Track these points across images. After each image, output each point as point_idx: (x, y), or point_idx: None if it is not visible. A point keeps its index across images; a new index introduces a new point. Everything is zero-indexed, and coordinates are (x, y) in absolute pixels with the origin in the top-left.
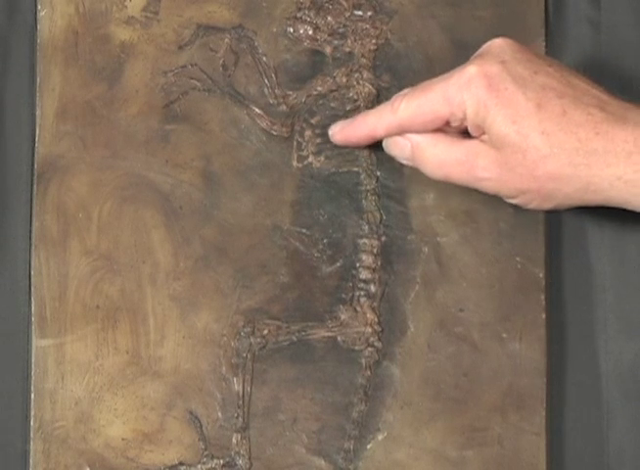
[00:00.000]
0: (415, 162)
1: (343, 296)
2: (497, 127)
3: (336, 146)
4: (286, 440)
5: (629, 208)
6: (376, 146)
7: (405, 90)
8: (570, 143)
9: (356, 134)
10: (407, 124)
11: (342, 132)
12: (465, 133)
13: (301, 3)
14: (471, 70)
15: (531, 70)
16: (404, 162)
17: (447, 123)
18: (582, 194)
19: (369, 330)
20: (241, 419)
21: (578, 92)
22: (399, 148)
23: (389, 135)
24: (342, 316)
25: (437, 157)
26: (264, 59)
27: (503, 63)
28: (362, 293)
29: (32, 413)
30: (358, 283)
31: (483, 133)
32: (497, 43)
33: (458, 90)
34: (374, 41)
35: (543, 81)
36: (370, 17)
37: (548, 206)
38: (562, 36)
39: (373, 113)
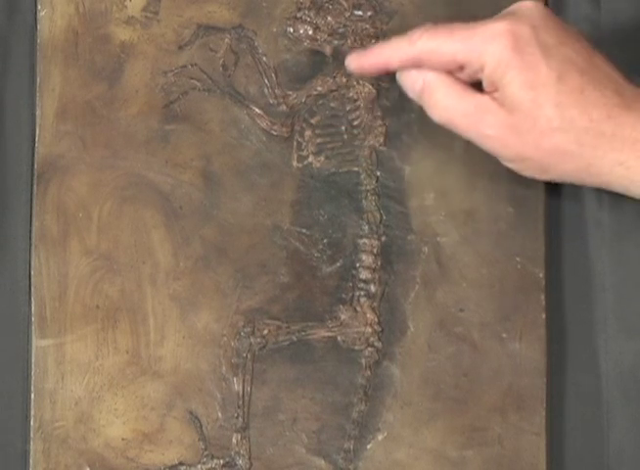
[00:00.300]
0: (422, 98)
1: (343, 296)
2: (513, 90)
3: (336, 146)
4: (286, 440)
5: (627, 194)
6: (376, 146)
7: (427, 25)
8: (581, 121)
9: (371, 63)
10: (423, 59)
11: (357, 60)
12: (476, 85)
13: (301, 3)
14: (500, 26)
15: (559, 41)
16: (411, 95)
17: (461, 68)
18: (581, 173)
19: (369, 330)
20: (241, 419)
21: (600, 73)
22: (411, 81)
23: (403, 67)
24: (343, 316)
25: (446, 101)
26: (264, 59)
27: (534, 27)
28: (362, 293)
29: (32, 413)
30: (358, 283)
31: (496, 90)
32: (529, 5)
33: (483, 42)
34: (374, 41)
35: (568, 54)
36: (370, 17)
37: (543, 177)
38: None
39: (390, 43)
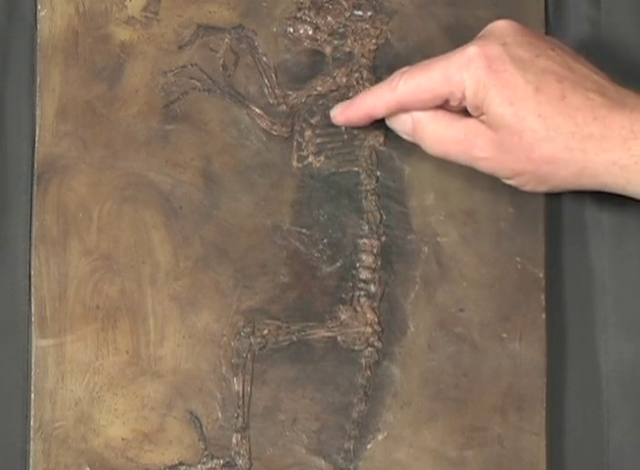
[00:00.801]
0: (415, 137)
1: (343, 296)
2: (495, 108)
3: (336, 146)
4: (286, 440)
5: (625, 194)
6: (376, 146)
7: (404, 68)
8: (566, 127)
9: (357, 114)
10: (406, 102)
11: (342, 114)
12: (465, 112)
13: (301, 3)
14: (471, 51)
15: (533, 53)
16: (405, 136)
17: (446, 102)
18: (578, 178)
19: (369, 330)
20: (241, 419)
21: (579, 76)
22: (401, 122)
23: (390, 113)
24: (343, 316)
25: (437, 133)
26: (264, 59)
27: (504, 45)
28: (362, 293)
29: (32, 413)
30: (358, 283)
31: (482, 114)
32: (500, 25)
33: (458, 70)
34: (374, 41)
35: (544, 65)
36: (370, 17)
37: (543, 188)
38: (562, 36)
39: (372, 92)
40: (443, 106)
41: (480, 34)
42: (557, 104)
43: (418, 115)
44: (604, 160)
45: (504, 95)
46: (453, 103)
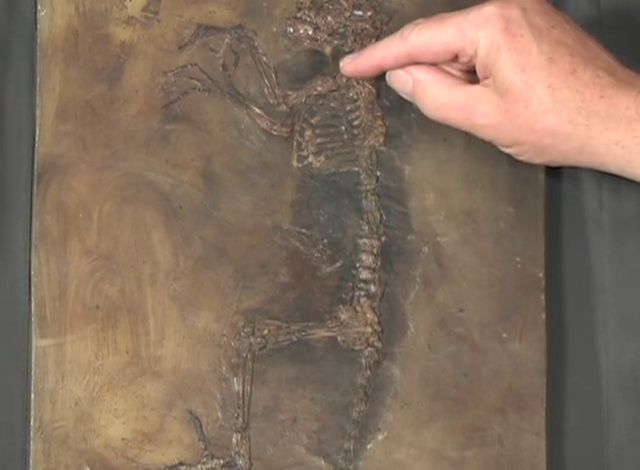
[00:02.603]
0: (415, 98)
1: (343, 296)
2: (505, 72)
3: (336, 146)
4: (286, 440)
5: (623, 174)
6: (376, 146)
7: (418, 20)
8: (573, 101)
9: (366, 64)
10: (416, 53)
11: (352, 63)
12: (469, 75)
13: (301, 3)
14: (490, 10)
15: (549, 24)
16: (405, 96)
17: (456, 58)
18: (577, 154)
19: (369, 330)
20: (241, 419)
21: (591, 53)
22: (401, 82)
23: (398, 64)
24: (343, 316)
25: (437, 97)
26: (264, 59)
27: (524, 10)
28: (362, 293)
29: (32, 413)
30: (358, 283)
31: (488, 77)
32: None
33: (474, 27)
34: (374, 41)
35: (559, 36)
36: (370, 17)
37: (540, 160)
38: None
39: (382, 42)
40: (450, 64)
41: None
42: (567, 77)
43: (419, 75)
44: (607, 138)
45: (517, 60)
46: (463, 59)
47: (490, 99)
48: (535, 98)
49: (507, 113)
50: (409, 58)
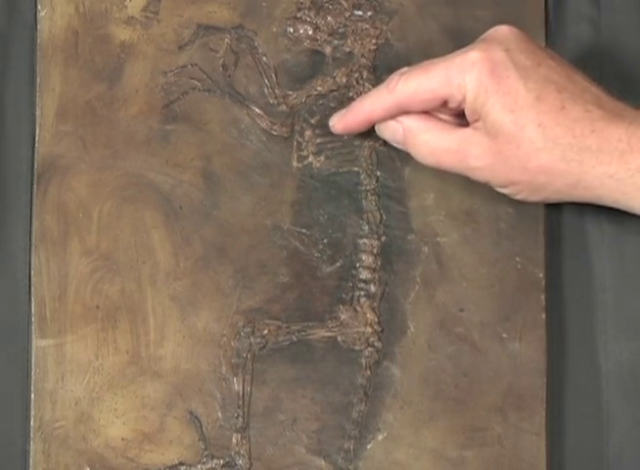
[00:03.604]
0: (406, 146)
1: (343, 296)
2: (494, 115)
3: (336, 146)
4: (286, 440)
5: (619, 207)
6: (376, 146)
7: (402, 69)
8: (564, 138)
9: (356, 119)
10: (405, 103)
11: (341, 121)
12: (459, 118)
13: (301, 3)
14: (474, 55)
15: (535, 62)
16: (395, 145)
17: (445, 104)
18: (572, 190)
19: (369, 330)
20: (241, 419)
21: (578, 88)
22: (391, 131)
23: (388, 116)
24: (343, 316)
25: (429, 143)
26: (264, 59)
27: (507, 50)
28: (362, 293)
29: (32, 413)
30: (358, 283)
31: (478, 120)
32: (502, 30)
33: (460, 72)
34: (374, 41)
35: (545, 74)
36: (370, 17)
37: (536, 198)
38: (562, 36)
39: (369, 96)
40: (439, 109)
41: (482, 38)
42: (556, 114)
43: (410, 124)
44: (600, 172)
45: (505, 102)
46: (451, 105)
47: (482, 141)
48: (526, 138)
49: (500, 154)
50: (398, 108)
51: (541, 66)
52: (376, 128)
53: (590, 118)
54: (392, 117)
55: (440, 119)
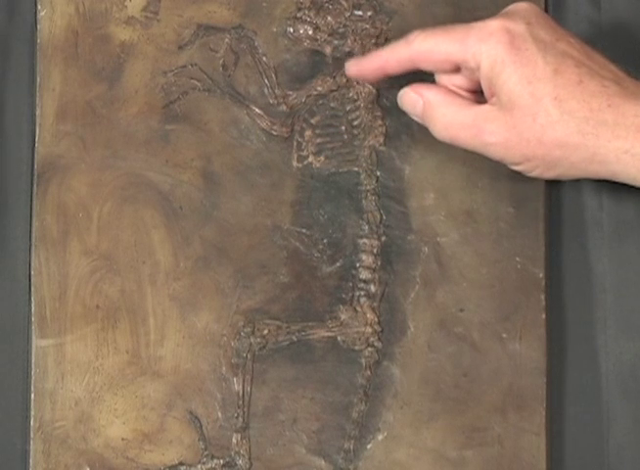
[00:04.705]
0: (424, 119)
1: (343, 296)
2: (511, 86)
3: (336, 146)
4: (286, 440)
5: (634, 183)
6: (376, 146)
7: (426, 28)
8: (581, 112)
9: (370, 66)
10: (419, 59)
11: (356, 65)
12: (478, 95)
13: (301, 3)
14: (494, 25)
15: (554, 37)
16: (414, 118)
17: (458, 69)
18: (587, 164)
19: (369, 330)
20: (241, 419)
21: (596, 64)
22: (411, 103)
23: (401, 68)
24: (343, 316)
25: (446, 117)
26: (264, 59)
27: (528, 24)
28: (362, 293)
29: (32, 413)
30: (358, 283)
31: (494, 94)
32: (523, 5)
33: (478, 40)
34: (374, 41)
35: (564, 49)
36: (370, 17)
37: (551, 174)
38: None
39: (387, 46)
40: (454, 74)
41: (503, 11)
42: (573, 88)
43: (430, 96)
44: (616, 147)
45: (522, 73)
46: (465, 72)
47: (498, 117)
48: (543, 110)
49: (515, 128)
50: (412, 63)
51: (560, 41)
52: (398, 99)
53: (607, 93)
54: (405, 70)
55: (460, 96)
